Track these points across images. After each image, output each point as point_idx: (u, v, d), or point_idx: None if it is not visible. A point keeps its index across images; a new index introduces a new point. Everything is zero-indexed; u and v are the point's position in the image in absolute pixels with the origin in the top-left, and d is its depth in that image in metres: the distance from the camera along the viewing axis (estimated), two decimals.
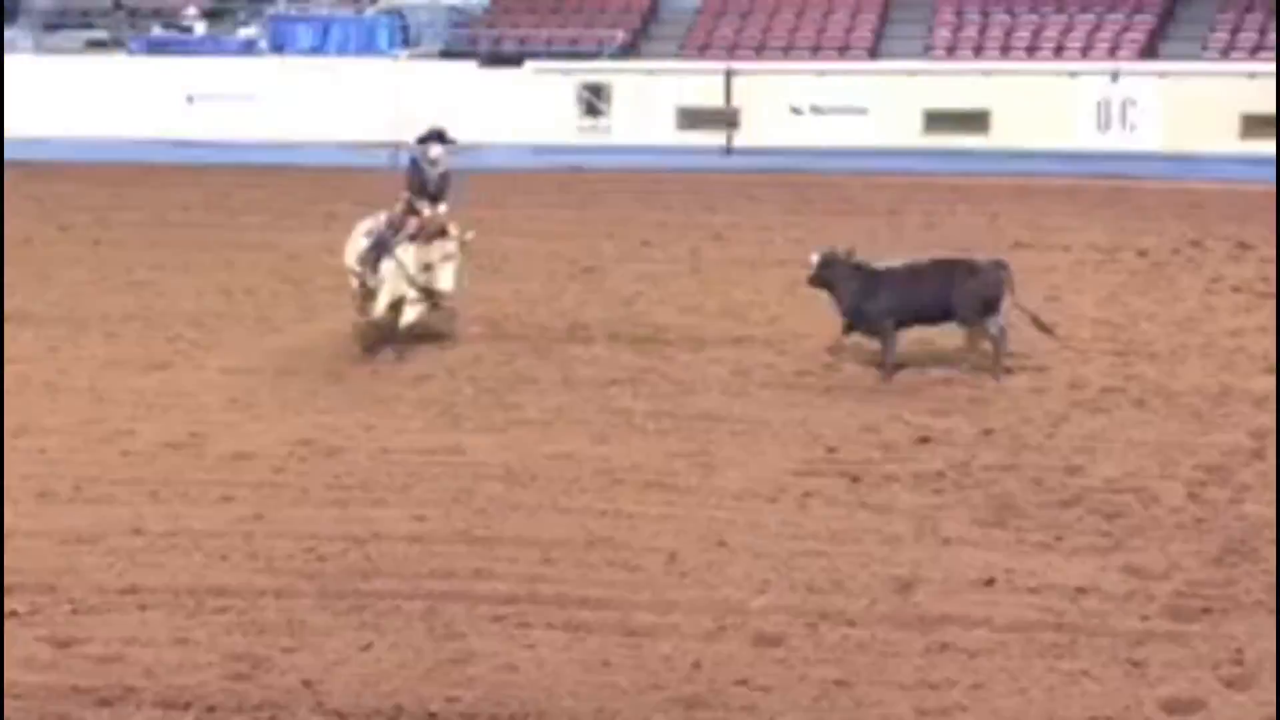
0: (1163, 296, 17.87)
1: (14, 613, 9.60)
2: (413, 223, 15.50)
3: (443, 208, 15.66)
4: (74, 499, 11.54)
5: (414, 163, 15.92)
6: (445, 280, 15.42)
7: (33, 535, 10.81)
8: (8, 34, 35.38)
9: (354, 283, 15.77)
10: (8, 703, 8.51)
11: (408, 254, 15.31)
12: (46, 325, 16.82)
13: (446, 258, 15.41)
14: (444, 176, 15.73)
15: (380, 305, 15.37)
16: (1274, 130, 27.29)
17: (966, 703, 8.48)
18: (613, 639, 9.21)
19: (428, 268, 15.33)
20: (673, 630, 9.33)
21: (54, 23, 35.81)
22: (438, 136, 15.87)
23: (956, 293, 14.46)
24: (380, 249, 15.45)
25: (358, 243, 15.79)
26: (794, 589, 9.90)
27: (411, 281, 15.30)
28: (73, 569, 10.26)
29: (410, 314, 15.37)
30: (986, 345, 14.65)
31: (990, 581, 9.99)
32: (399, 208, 15.74)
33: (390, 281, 15.31)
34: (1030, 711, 8.40)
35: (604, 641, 9.18)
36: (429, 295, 15.44)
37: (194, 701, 8.54)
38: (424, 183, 15.58)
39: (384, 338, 15.44)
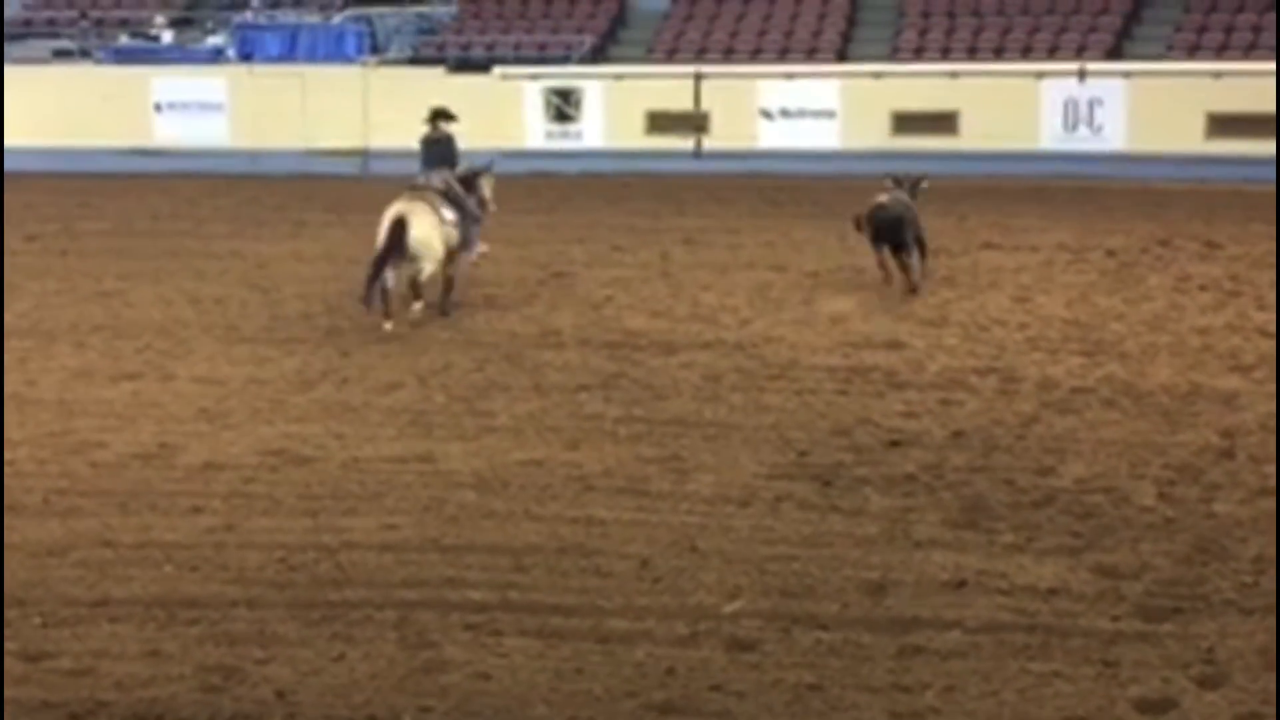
0: (1131, 296, 17.94)
1: None
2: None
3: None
4: (43, 511, 11.48)
5: (430, 141, 17.89)
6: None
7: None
8: None
9: (429, 268, 17.00)
10: None
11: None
12: (14, 336, 16.75)
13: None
14: (451, 145, 17.85)
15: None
16: (1240, 130, 27.45)
17: (939, 705, 8.49)
18: (586, 646, 9.20)
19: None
20: (646, 636, 9.33)
21: (20, 32, 35.69)
22: (444, 114, 18.04)
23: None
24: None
25: (442, 230, 17.07)
26: (766, 593, 9.90)
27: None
28: (42, 582, 10.21)
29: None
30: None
31: (962, 583, 10.01)
32: (438, 184, 17.44)
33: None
34: (1003, 713, 8.42)
35: (577, 648, 9.17)
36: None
37: (166, 714, 8.51)
38: (445, 156, 17.67)
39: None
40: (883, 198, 18.29)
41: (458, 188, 17.61)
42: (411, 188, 17.43)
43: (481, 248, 18.15)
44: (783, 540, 10.79)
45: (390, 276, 16.64)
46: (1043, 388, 14.37)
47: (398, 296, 16.83)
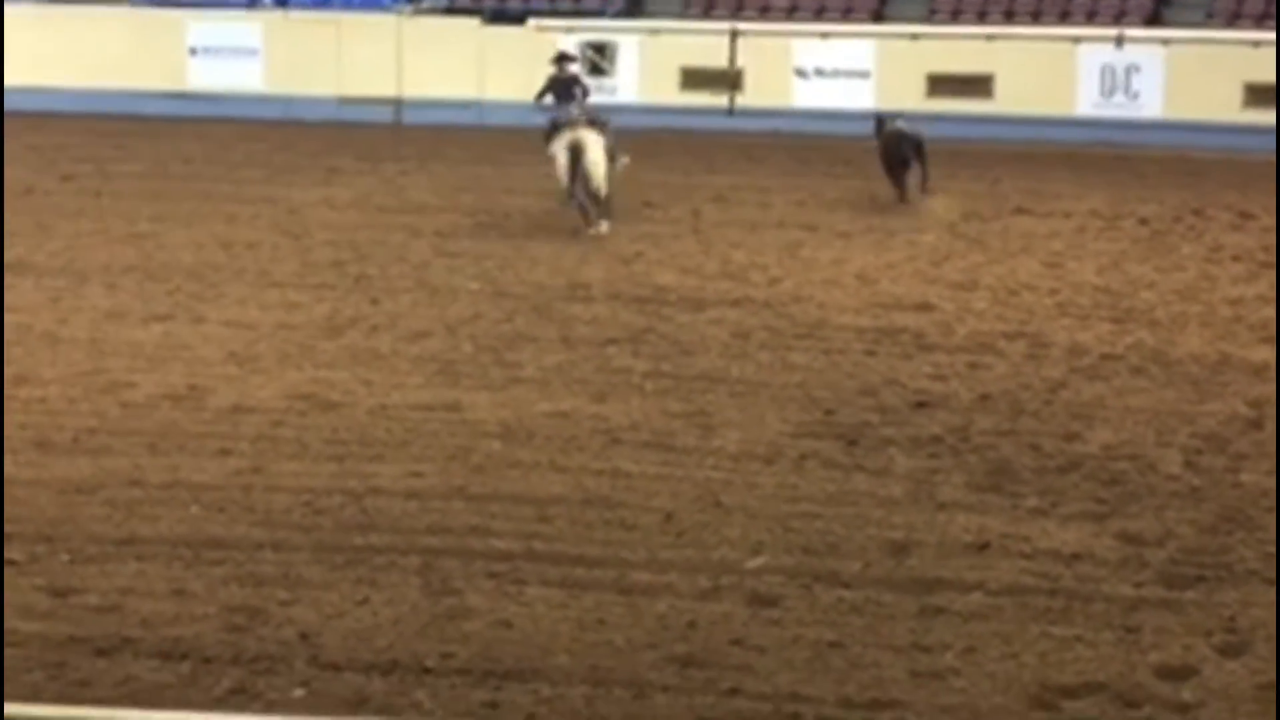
0: (1163, 264, 17.87)
1: (12, 561, 9.63)
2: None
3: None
4: (73, 450, 11.56)
5: (559, 81, 20.68)
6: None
7: (31, 485, 10.84)
8: None
9: (604, 186, 19.27)
10: (8, 650, 8.54)
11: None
12: (47, 276, 16.83)
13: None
14: (579, 81, 20.86)
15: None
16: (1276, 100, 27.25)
17: (959, 666, 8.52)
18: (608, 597, 9.25)
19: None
20: (668, 589, 9.36)
21: None
22: (567, 57, 21.34)
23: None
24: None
25: (604, 151, 19.34)
26: (789, 550, 9.93)
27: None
28: (71, 519, 10.29)
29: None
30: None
31: (985, 546, 10.02)
32: (579, 114, 19.81)
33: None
34: (1023, 675, 8.44)
35: (599, 599, 9.21)
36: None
37: (190, 652, 8.58)
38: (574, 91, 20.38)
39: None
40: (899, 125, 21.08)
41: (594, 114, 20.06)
42: (568, 124, 19.48)
43: (624, 159, 20.04)
44: (806, 498, 10.81)
45: (581, 194, 18.96)
46: (1071, 354, 14.34)
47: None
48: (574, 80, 20.63)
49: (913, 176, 20.86)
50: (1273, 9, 29.90)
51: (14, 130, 25.87)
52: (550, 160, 19.41)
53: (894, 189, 20.92)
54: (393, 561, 9.67)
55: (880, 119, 22.01)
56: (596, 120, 19.80)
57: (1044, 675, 8.44)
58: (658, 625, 8.93)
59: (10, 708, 3.75)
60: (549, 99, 20.56)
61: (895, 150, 20.93)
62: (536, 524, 10.28)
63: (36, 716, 3.48)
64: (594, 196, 19.10)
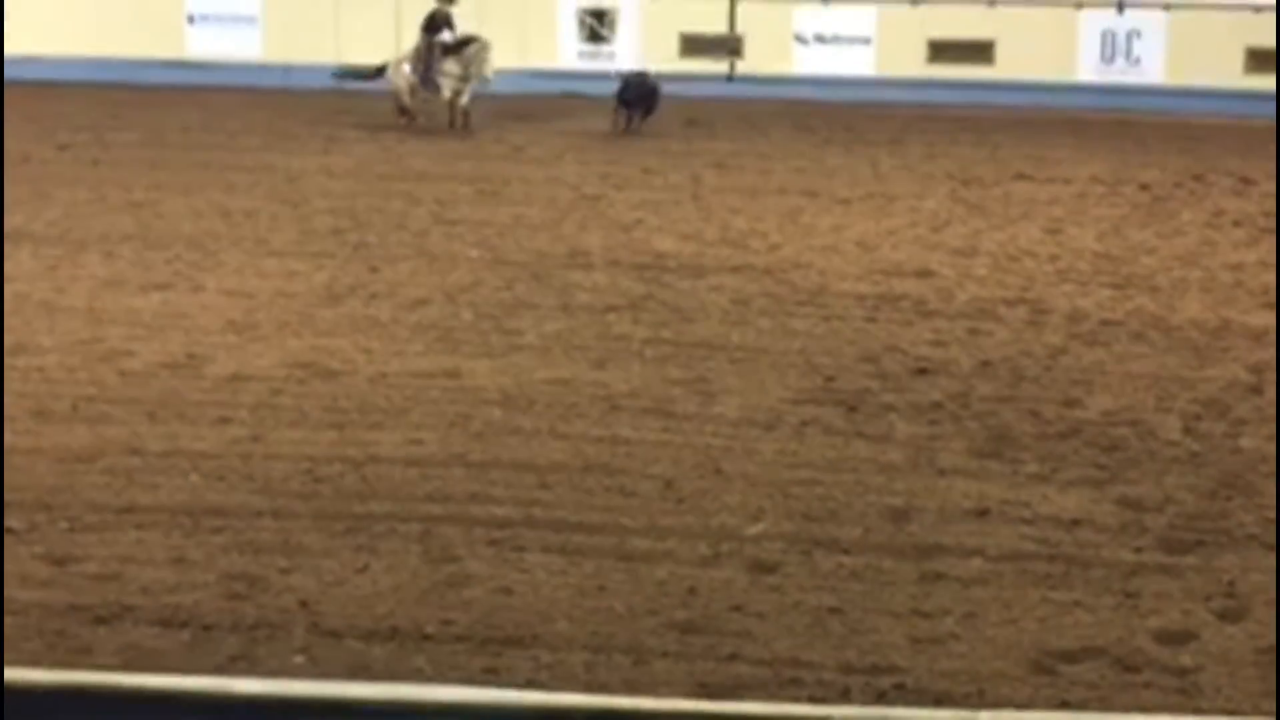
0: (1164, 230, 17.85)
1: (11, 530, 9.62)
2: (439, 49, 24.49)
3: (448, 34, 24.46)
4: (71, 418, 11.54)
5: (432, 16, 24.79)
6: (488, 69, 24.29)
7: (30, 453, 10.82)
8: None
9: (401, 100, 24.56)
10: (7, 619, 8.53)
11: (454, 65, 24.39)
12: (44, 244, 16.79)
13: (480, 53, 24.30)
14: (448, 18, 24.68)
15: (445, 93, 24.38)
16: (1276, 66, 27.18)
17: (959, 631, 8.52)
18: (608, 563, 9.24)
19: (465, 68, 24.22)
20: (668, 556, 9.36)
21: None
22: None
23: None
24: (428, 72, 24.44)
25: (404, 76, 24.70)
26: (789, 517, 9.93)
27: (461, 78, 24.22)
28: (70, 487, 10.28)
29: (465, 98, 24.23)
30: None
31: (985, 512, 10.02)
32: (420, 48, 24.71)
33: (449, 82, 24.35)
34: (1023, 640, 8.44)
35: (599, 566, 9.21)
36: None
37: (190, 620, 8.57)
38: (433, 20, 24.63)
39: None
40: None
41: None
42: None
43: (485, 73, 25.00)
44: (807, 465, 10.80)
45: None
46: (1072, 320, 14.33)
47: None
48: (447, 17, 24.70)
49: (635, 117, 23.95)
50: None
51: (11, 100, 25.79)
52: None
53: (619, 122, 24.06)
54: (392, 529, 9.67)
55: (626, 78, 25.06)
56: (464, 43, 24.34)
57: (1043, 640, 8.45)
58: (658, 591, 8.93)
59: (11, 672, 3.73)
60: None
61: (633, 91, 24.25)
62: (536, 491, 10.28)
63: (37, 682, 3.46)
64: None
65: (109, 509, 9.96)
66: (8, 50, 30.82)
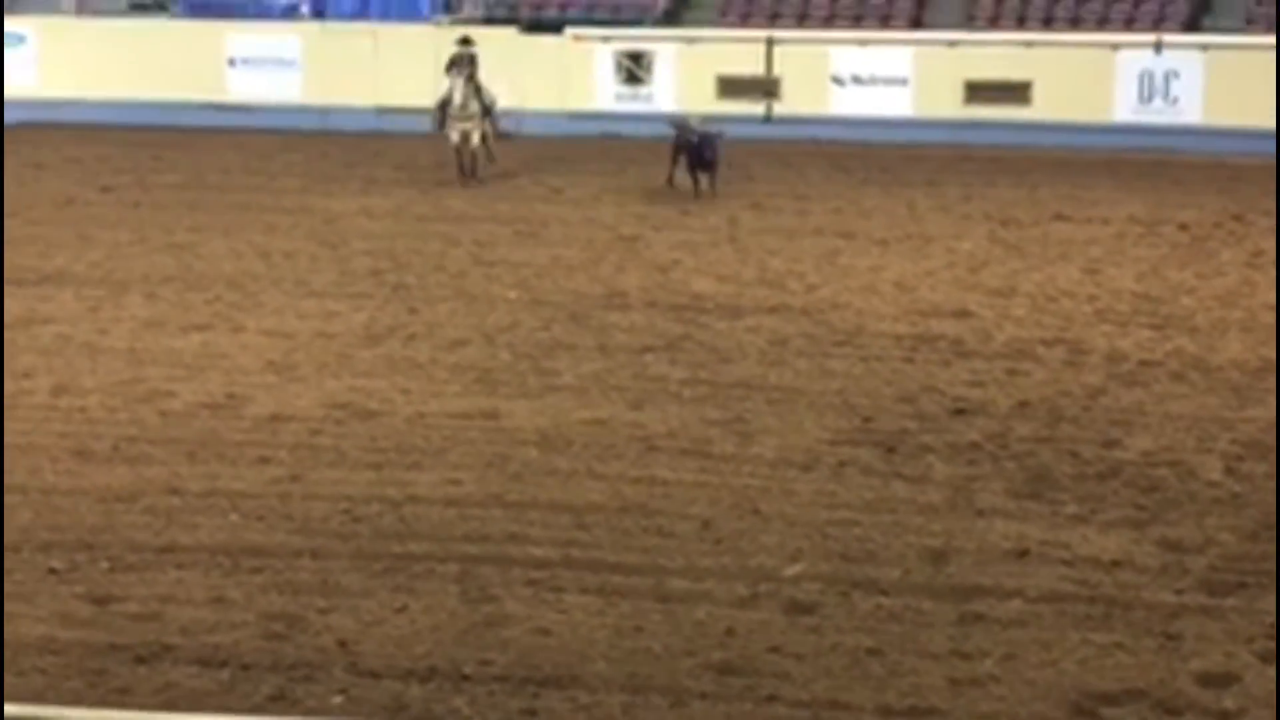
0: (1203, 270, 17.78)
1: (53, 570, 9.69)
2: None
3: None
4: (112, 458, 11.61)
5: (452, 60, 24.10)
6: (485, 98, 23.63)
7: (72, 493, 10.89)
8: None
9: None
10: (47, 658, 8.58)
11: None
12: (87, 286, 16.92)
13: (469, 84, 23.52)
14: (473, 62, 23.77)
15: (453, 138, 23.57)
16: None
17: (999, 673, 8.48)
18: (646, 604, 9.24)
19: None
20: (706, 597, 9.35)
21: None
22: (465, 40, 24.41)
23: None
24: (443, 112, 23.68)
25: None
26: (827, 557, 9.91)
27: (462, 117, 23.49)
28: (111, 527, 10.33)
29: (476, 137, 23.53)
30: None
31: (1024, 553, 9.98)
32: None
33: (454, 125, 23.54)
34: (1063, 682, 8.40)
35: (637, 606, 9.21)
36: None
37: (229, 660, 8.60)
38: (455, 63, 23.80)
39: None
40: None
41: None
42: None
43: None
44: (845, 505, 10.78)
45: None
46: (1110, 360, 14.28)
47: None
48: (471, 59, 23.88)
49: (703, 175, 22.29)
50: None
51: (55, 142, 26.07)
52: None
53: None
54: (431, 569, 9.68)
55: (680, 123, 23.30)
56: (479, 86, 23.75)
57: (1084, 682, 8.40)
58: (696, 632, 8.92)
59: (51, 711, 3.76)
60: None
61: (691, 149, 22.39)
62: (574, 531, 10.28)
63: (38, 717, 3.49)
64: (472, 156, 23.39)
65: (149, 548, 10.00)
66: (51, 93, 31.14)
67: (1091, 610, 9.17)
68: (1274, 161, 24.88)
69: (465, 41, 24.55)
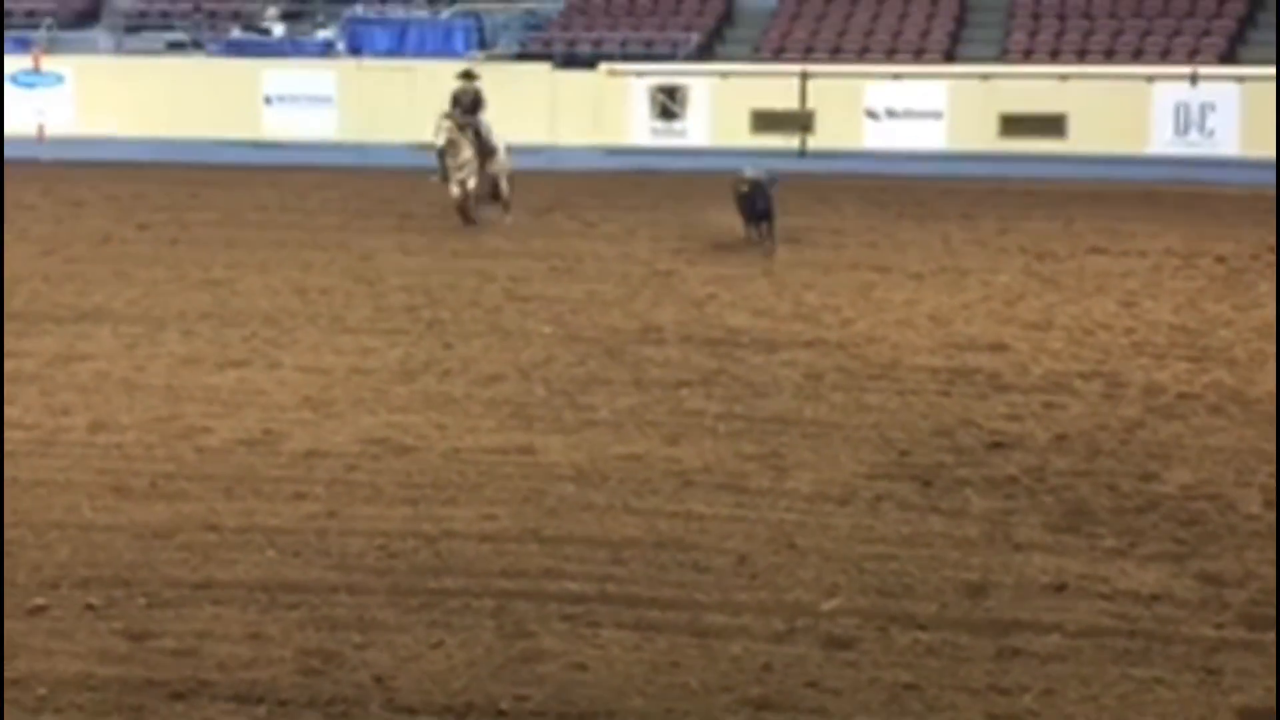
0: (1241, 302, 17.71)
1: (90, 606, 9.71)
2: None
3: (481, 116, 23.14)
4: (149, 494, 11.65)
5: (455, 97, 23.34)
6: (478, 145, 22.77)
7: (108, 530, 10.93)
8: (90, 33, 35.79)
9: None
10: (85, 694, 8.60)
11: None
12: (124, 323, 17.02)
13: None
14: (475, 98, 23.19)
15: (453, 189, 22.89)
16: None
17: (1038, 708, 8.43)
18: (682, 639, 9.21)
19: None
20: (742, 632, 9.32)
21: (135, 24, 36.22)
22: (467, 74, 23.67)
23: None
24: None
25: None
26: (864, 592, 9.87)
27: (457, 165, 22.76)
28: (147, 563, 10.36)
29: (471, 181, 22.80)
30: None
31: (1062, 587, 9.93)
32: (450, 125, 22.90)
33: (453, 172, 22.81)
34: (1102, 718, 8.34)
35: (673, 642, 9.18)
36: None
37: (266, 696, 8.60)
38: (457, 100, 23.11)
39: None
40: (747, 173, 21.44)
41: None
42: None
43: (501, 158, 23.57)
44: (881, 539, 10.74)
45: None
46: (1148, 393, 14.22)
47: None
48: (475, 94, 23.26)
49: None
50: None
51: (92, 180, 26.24)
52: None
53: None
54: (467, 604, 9.68)
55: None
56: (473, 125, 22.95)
57: (1124, 717, 8.34)
58: (732, 667, 8.89)
59: None
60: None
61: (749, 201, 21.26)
62: (610, 566, 10.27)
63: None
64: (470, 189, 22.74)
65: (186, 585, 10.02)
66: (89, 132, 31.37)
67: (1131, 645, 9.11)
68: None
69: (467, 75, 23.49)
